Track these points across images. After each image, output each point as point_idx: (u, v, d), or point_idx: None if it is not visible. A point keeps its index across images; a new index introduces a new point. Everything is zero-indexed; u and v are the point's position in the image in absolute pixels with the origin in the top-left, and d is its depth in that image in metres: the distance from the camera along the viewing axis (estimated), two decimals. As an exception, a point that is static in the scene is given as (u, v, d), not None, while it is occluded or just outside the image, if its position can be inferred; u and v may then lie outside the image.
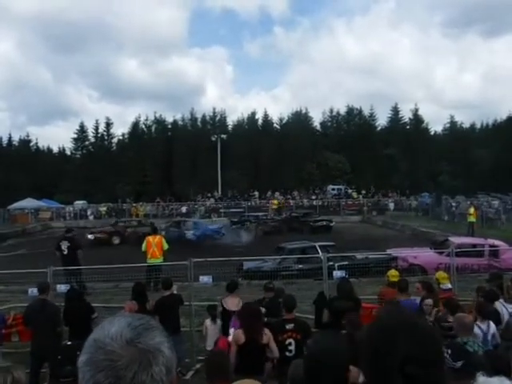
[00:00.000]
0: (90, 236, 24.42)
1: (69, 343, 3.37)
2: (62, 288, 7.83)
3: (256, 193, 45.57)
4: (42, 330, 6.08)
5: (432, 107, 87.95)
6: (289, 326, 5.03)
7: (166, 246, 12.70)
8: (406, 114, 60.35)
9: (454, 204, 34.19)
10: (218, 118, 61.18)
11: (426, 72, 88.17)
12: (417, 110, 59.93)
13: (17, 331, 7.23)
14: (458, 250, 10.53)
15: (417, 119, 59.82)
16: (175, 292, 7.19)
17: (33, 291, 7.95)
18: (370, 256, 13.08)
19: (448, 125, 61.13)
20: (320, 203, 40.73)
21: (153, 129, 60.81)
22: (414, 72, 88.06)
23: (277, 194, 44.75)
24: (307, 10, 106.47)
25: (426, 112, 62.02)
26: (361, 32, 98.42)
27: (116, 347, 0.91)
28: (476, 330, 4.62)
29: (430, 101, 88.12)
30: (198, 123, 61.39)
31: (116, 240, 24.75)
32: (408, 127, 59.90)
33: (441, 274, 7.88)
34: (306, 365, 2.29)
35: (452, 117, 61.26)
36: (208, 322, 6.94)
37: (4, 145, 60.61)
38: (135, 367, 0.90)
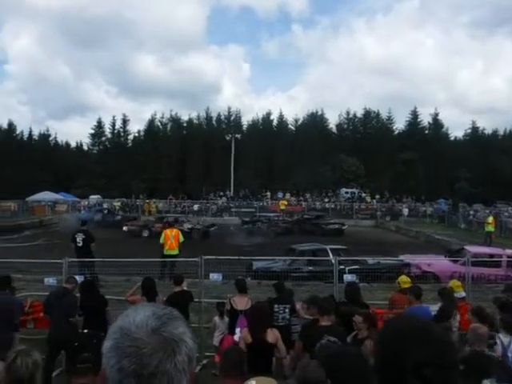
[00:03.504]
0: (124, 228, 26.67)
1: (85, 331, 3.45)
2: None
3: (268, 193, 45.54)
4: (58, 319, 6.25)
5: (453, 111, 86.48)
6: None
7: (182, 239, 13.78)
8: (426, 118, 59.50)
9: (471, 212, 33.69)
10: (232, 118, 61.38)
11: (449, 75, 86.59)
12: (437, 114, 59.15)
13: (32, 318, 7.43)
14: (474, 259, 10.38)
15: (436, 124, 58.91)
16: (186, 288, 7.24)
17: (49, 280, 8.14)
18: (382, 261, 12.98)
19: (469, 130, 59.97)
20: (333, 206, 40.50)
21: (168, 127, 61.19)
22: (435, 74, 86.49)
23: (288, 195, 44.68)
24: (327, 9, 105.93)
25: (446, 116, 61.73)
26: (381, 32, 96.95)
27: (141, 335, 0.94)
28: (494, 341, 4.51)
29: (452, 105, 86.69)
30: (213, 122, 61.67)
31: (145, 233, 26.06)
32: (427, 132, 59.05)
33: (455, 283, 7.80)
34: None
35: (474, 122, 59.91)
36: (216, 318, 6.99)
37: (25, 138, 61.60)
38: (160, 355, 0.92)
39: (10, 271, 8.22)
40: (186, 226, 26.49)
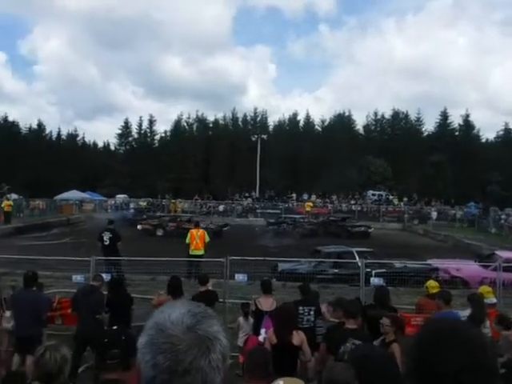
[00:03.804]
0: (138, 226, 26.64)
1: (114, 328, 3.50)
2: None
3: (294, 195, 45.37)
4: (85, 316, 6.38)
5: (485, 113, 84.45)
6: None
7: (207, 239, 13.90)
8: (456, 120, 58.14)
9: (503, 216, 32.71)
10: (259, 119, 61.47)
11: (481, 74, 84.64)
12: (468, 115, 57.74)
13: (60, 315, 7.58)
14: (506, 264, 10.05)
15: (467, 125, 57.52)
16: (211, 288, 7.25)
17: (76, 278, 8.31)
18: (409, 265, 12.75)
19: (501, 132, 58.35)
20: (359, 208, 40.06)
21: (194, 127, 61.73)
22: (467, 74, 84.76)
23: (313, 196, 44.40)
24: (355, 9, 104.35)
25: (477, 118, 60.05)
26: (411, 31, 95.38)
27: (177, 332, 0.95)
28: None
29: (483, 106, 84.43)
30: (239, 123, 61.90)
31: (159, 232, 26.37)
32: (457, 133, 57.74)
33: (485, 288, 7.56)
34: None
35: (506, 123, 58.08)
36: (241, 318, 6.97)
37: (53, 139, 63.30)
38: (194, 352, 0.93)
39: (38, 268, 8.42)
40: (201, 225, 26.78)
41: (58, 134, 63.73)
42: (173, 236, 24.34)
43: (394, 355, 3.96)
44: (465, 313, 6.05)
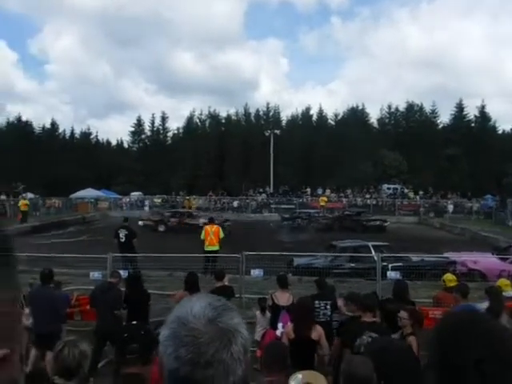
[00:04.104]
0: (140, 222, 26.63)
1: (134, 323, 3.56)
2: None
3: (308, 189, 45.23)
4: (104, 312, 6.48)
5: (501, 104, 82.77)
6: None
7: (222, 235, 13.72)
8: (472, 111, 56.94)
9: (521, 208, 32.19)
10: (271, 113, 61.29)
11: (497, 65, 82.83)
12: (483, 106, 56.59)
13: (79, 311, 7.71)
14: (524, 257, 9.91)
15: (483, 117, 56.39)
16: (227, 283, 7.28)
17: (94, 275, 8.41)
18: (426, 258, 12.66)
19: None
20: (374, 202, 39.74)
21: (207, 123, 61.82)
22: (482, 65, 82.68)
23: (328, 191, 44.21)
24: (367, 0, 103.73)
25: (494, 109, 58.79)
26: (425, 22, 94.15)
27: (199, 325, 0.96)
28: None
29: (500, 97, 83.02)
30: (252, 118, 61.75)
31: (161, 228, 26.65)
32: (473, 125, 56.70)
33: (503, 281, 7.47)
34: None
35: (523, 114, 57.35)
36: (258, 313, 7.00)
37: (67, 137, 63.98)
38: (216, 344, 0.94)
39: (56, 266, 8.54)
40: (202, 220, 27.01)
41: (72, 133, 64.52)
42: (174, 231, 24.67)
43: (412, 348, 3.94)
44: (483, 306, 5.98)
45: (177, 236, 22.23)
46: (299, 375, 3.29)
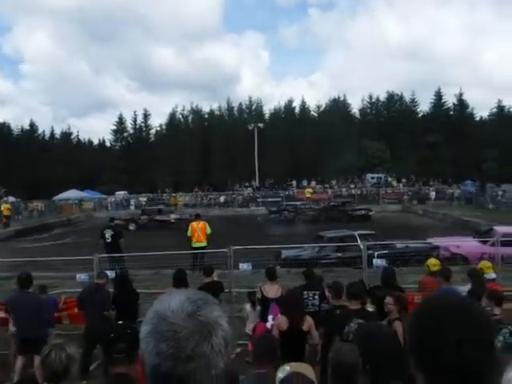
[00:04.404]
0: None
1: (120, 323, 3.57)
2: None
3: (294, 182, 45.36)
4: (92, 313, 6.41)
5: (479, 92, 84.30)
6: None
7: (209, 231, 13.43)
8: (450, 99, 57.99)
9: (499, 192, 32.86)
10: (254, 107, 61.16)
11: (474, 54, 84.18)
12: (461, 94, 57.57)
13: (67, 314, 7.61)
14: (504, 239, 10.13)
15: (461, 104, 57.38)
16: (216, 279, 7.31)
17: (80, 277, 8.34)
18: (411, 245, 12.86)
19: (495, 110, 58.18)
20: (359, 192, 40.07)
21: (189, 119, 61.41)
22: (460, 54, 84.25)
23: (313, 183, 44.42)
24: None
25: (471, 97, 59.67)
26: (403, 12, 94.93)
27: (178, 319, 0.96)
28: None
29: (477, 85, 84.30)
30: (235, 112, 61.57)
31: (131, 226, 26.36)
32: (452, 113, 57.63)
33: (485, 264, 7.63)
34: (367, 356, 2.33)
35: (500, 101, 57.90)
36: (248, 306, 7.03)
37: (47, 138, 62.73)
38: (196, 338, 0.95)
39: (42, 270, 8.44)
40: (173, 216, 26.95)
41: (52, 134, 63.32)
42: (146, 229, 24.57)
43: (397, 333, 4.04)
44: (465, 288, 6.12)
45: (149, 233, 22.29)
46: (287, 367, 3.34)
